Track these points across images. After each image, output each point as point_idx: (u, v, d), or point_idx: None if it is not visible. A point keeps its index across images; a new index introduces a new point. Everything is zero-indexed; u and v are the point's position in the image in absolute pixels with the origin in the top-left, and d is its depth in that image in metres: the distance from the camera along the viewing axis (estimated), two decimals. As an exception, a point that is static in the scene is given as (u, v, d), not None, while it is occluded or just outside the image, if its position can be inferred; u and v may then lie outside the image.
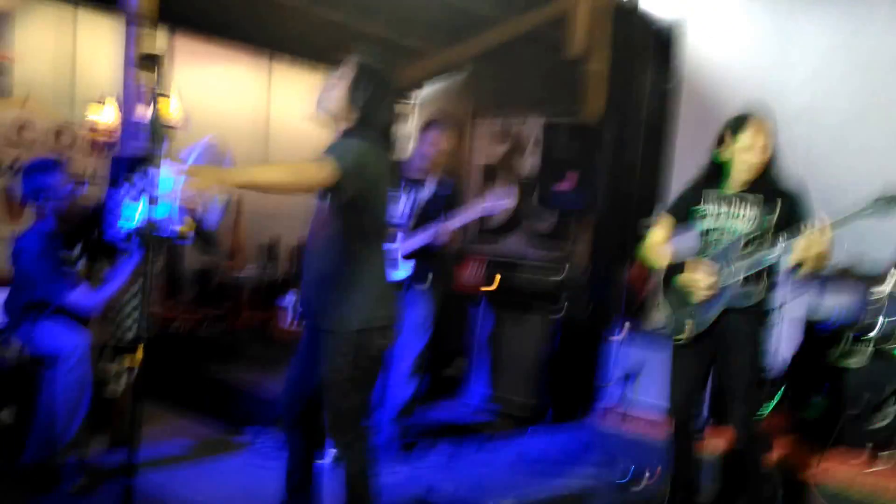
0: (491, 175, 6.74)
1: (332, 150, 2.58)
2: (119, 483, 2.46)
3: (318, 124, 2.78)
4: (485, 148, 6.79)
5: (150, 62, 2.38)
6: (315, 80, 6.79)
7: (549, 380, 4.81)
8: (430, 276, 4.13)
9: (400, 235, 4.03)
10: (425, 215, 4.08)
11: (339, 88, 2.70)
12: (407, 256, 4.04)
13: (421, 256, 4.06)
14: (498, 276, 5.22)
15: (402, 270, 4.02)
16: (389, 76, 2.80)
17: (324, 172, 2.45)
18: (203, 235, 3.14)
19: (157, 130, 2.35)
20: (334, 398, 2.73)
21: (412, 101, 7.08)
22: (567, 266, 5.48)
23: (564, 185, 5.25)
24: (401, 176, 4.06)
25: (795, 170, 4.85)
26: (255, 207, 6.01)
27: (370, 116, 2.68)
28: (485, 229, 6.74)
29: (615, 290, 5.59)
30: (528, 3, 5.67)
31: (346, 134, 2.69)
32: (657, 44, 5.61)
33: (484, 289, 5.23)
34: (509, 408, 4.94)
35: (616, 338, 4.44)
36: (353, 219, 2.64)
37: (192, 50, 5.92)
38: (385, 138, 2.72)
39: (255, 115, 6.41)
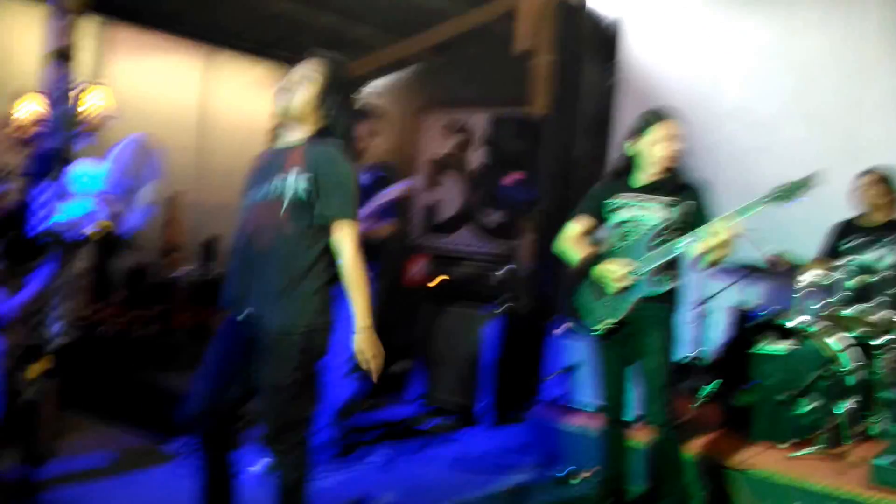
0: (441, 169, 6.68)
1: (329, 178, 2.54)
2: (34, 499, 2.34)
3: (275, 122, 2.71)
4: (434, 142, 6.73)
5: (66, 55, 2.26)
6: (258, 72, 6.67)
7: (491, 376, 4.76)
8: (367, 267, 4.02)
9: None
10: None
11: (305, 90, 2.60)
12: None
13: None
14: (443, 272, 5.16)
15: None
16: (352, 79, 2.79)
17: (355, 233, 2.57)
18: (112, 238, 2.99)
19: (75, 126, 2.23)
20: (278, 404, 2.57)
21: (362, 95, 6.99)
22: (512, 261, 5.48)
23: (511, 180, 5.21)
24: None
25: (722, 166, 4.98)
26: (192, 203, 5.87)
27: (337, 124, 2.64)
28: (434, 224, 6.68)
29: (559, 284, 5.55)
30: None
31: (315, 139, 2.61)
32: (600, 41, 5.64)
33: (429, 284, 5.17)
34: (452, 405, 4.89)
35: (558, 332, 4.41)
36: (312, 220, 2.57)
37: (130, 41, 5.72)
38: (348, 143, 2.68)
39: (195, 108, 6.25)
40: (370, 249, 3.92)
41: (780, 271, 4.16)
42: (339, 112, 2.63)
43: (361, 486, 3.68)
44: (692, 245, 3.06)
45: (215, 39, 6.14)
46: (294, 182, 2.51)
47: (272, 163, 2.61)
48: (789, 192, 2.95)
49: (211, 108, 6.38)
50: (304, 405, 2.63)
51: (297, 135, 2.62)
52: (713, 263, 3.10)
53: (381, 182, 4.03)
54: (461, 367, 4.87)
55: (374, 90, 6.92)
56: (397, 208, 4.05)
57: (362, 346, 2.60)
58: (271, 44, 6.17)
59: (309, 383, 2.63)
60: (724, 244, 2.98)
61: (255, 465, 3.05)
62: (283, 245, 2.54)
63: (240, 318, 2.59)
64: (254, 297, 2.55)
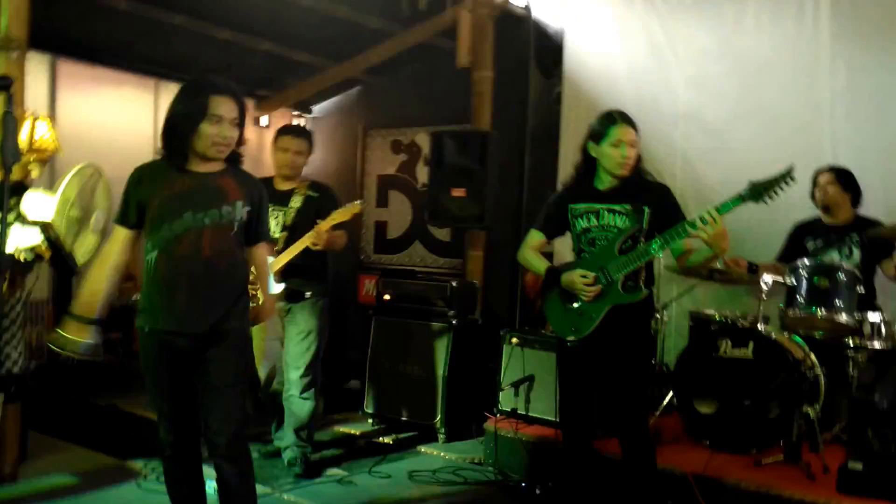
0: (388, 187, 6.51)
1: (264, 208, 2.85)
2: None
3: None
4: (380, 159, 6.54)
5: (7, 86, 2.16)
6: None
7: (446, 390, 4.54)
8: (316, 283, 3.86)
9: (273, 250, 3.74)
10: (296, 226, 3.79)
11: (238, 128, 2.66)
12: (286, 269, 3.74)
13: (302, 265, 3.76)
14: (394, 289, 4.94)
15: (280, 283, 3.74)
16: None
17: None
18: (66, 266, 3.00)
19: (10, 155, 2.09)
20: (237, 404, 2.63)
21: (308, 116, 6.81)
22: (462, 275, 5.30)
23: (457, 194, 5.09)
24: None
25: (676, 169, 4.76)
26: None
27: (240, 153, 2.76)
28: (384, 242, 6.50)
29: (510, 297, 5.43)
30: (416, 15, 5.42)
31: (234, 169, 2.73)
32: (542, 52, 5.44)
33: (380, 301, 4.96)
34: (406, 419, 4.67)
35: (510, 345, 4.24)
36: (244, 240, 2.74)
37: (81, 76, 5.44)
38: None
39: (150, 139, 5.94)
40: (311, 268, 3.80)
41: (740, 272, 3.84)
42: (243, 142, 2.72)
43: (320, 502, 3.53)
44: (663, 249, 2.84)
45: (164, 69, 5.89)
46: (240, 210, 2.65)
47: (198, 190, 2.61)
48: (767, 187, 2.74)
49: (158, 137, 6.09)
50: (248, 405, 2.75)
51: (210, 164, 2.65)
52: (698, 266, 2.90)
53: (319, 200, 3.86)
54: (415, 382, 4.65)
55: (321, 112, 6.77)
56: (346, 224, 3.83)
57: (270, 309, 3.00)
58: (218, 72, 5.91)
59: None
60: (717, 242, 2.76)
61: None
62: (234, 262, 2.67)
63: (192, 332, 2.59)
64: (212, 310, 2.60)
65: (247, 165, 2.85)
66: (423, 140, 6.10)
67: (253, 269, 2.83)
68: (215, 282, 2.60)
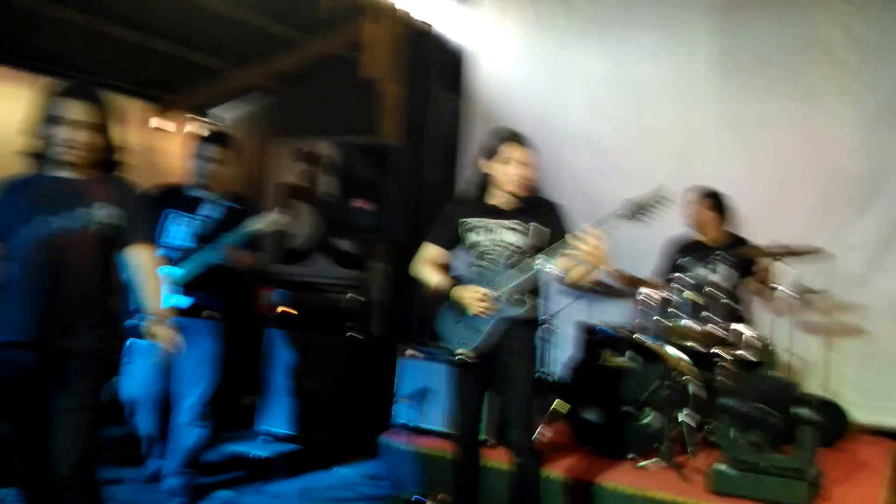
0: (291, 195, 6.45)
1: (138, 210, 2.67)
2: None
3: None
4: (285, 168, 6.48)
5: None
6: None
7: (343, 403, 4.48)
8: (221, 303, 3.61)
9: (179, 259, 3.50)
10: (211, 236, 3.53)
11: (102, 131, 2.62)
12: (191, 282, 3.47)
13: (209, 281, 3.49)
14: (293, 300, 4.85)
15: (183, 298, 3.45)
16: None
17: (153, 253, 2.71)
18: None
19: None
20: (86, 430, 2.48)
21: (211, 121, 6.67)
22: (365, 286, 5.30)
23: (362, 206, 5.09)
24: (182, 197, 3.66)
25: (572, 188, 4.90)
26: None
27: (117, 159, 2.69)
28: (287, 251, 6.42)
29: (413, 308, 5.47)
30: (325, 26, 5.42)
31: (105, 174, 2.64)
32: (449, 68, 5.56)
33: (280, 312, 4.84)
34: (304, 435, 4.54)
35: (409, 356, 4.27)
36: (112, 245, 2.61)
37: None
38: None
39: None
40: (218, 284, 3.56)
41: (623, 285, 4.11)
42: (115, 147, 2.65)
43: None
44: (553, 264, 2.90)
45: (46, 67, 5.62)
46: (103, 214, 2.55)
47: (55, 194, 2.52)
48: (642, 207, 2.87)
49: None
50: (100, 433, 2.56)
51: (74, 169, 2.56)
52: (581, 280, 2.97)
53: (238, 212, 3.62)
54: (311, 397, 4.51)
55: (224, 118, 6.67)
56: (258, 240, 3.63)
57: (159, 331, 2.61)
58: (110, 72, 5.71)
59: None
60: (591, 261, 2.84)
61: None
62: (94, 271, 2.55)
63: (41, 347, 2.45)
64: (59, 325, 2.47)
65: (141, 169, 2.80)
66: (327, 151, 6.10)
67: (139, 274, 2.62)
68: (71, 291, 2.48)
